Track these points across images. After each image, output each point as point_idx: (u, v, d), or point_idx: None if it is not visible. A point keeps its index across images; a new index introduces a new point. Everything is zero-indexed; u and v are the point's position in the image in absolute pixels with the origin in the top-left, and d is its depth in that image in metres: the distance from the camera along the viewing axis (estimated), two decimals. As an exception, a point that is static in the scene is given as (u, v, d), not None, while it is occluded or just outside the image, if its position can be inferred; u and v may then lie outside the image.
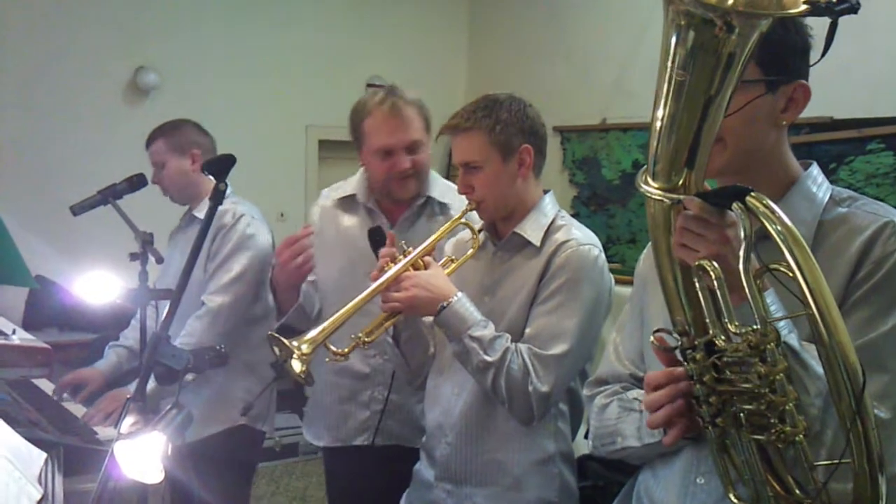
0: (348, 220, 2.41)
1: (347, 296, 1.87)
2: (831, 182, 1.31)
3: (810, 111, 1.28)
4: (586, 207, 5.37)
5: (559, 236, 1.91)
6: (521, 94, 1.98)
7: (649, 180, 1.13)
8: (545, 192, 2.00)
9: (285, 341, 1.73)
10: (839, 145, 3.95)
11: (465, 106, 1.93)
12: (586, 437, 1.68)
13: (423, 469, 2.05)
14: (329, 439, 2.49)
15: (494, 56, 6.18)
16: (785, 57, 1.08)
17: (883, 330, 1.16)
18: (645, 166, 1.15)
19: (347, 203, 2.42)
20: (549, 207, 1.97)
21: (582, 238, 1.90)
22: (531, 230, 1.93)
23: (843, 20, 0.98)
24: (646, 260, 1.54)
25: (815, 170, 1.32)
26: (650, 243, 1.46)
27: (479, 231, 2.01)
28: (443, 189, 2.37)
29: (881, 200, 1.29)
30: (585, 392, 1.61)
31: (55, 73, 4.84)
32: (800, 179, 1.29)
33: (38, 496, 1.41)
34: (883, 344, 1.15)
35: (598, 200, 5.30)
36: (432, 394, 2.04)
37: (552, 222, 1.94)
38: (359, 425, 2.40)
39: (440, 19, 6.33)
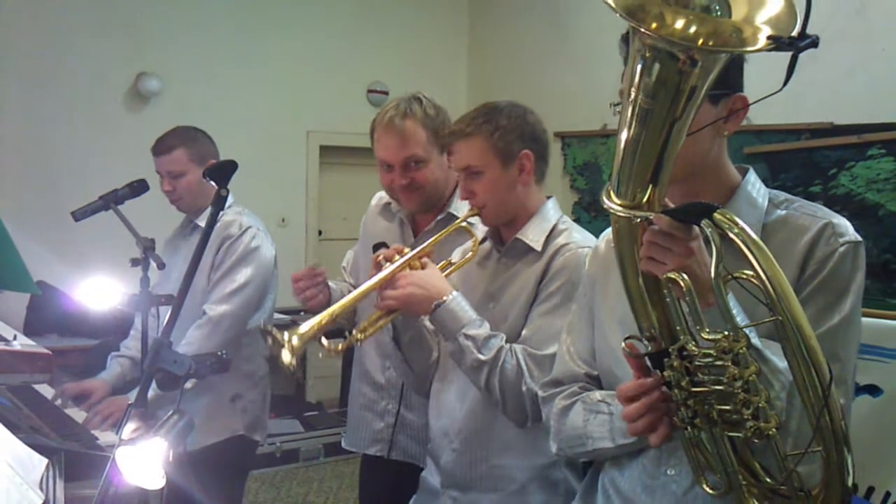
0: (384, 226, 2.45)
1: (373, 297, 1.90)
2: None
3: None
4: (587, 213, 5.38)
5: (560, 240, 1.91)
6: (522, 99, 1.99)
7: (613, 197, 1.19)
8: (548, 198, 2.01)
9: (276, 334, 1.75)
10: (840, 150, 3.96)
11: (467, 113, 1.94)
12: None
13: (430, 476, 2.05)
14: (348, 443, 2.52)
15: (495, 62, 6.20)
16: (725, 72, 1.13)
17: (832, 323, 1.25)
18: (608, 184, 1.21)
19: (387, 209, 2.46)
20: (552, 213, 1.98)
21: (581, 241, 1.90)
22: (533, 235, 1.93)
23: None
24: (592, 262, 1.60)
25: (752, 175, 1.40)
26: (595, 247, 1.62)
27: (483, 240, 2.02)
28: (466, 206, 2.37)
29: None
30: (541, 393, 1.63)
31: (57, 78, 4.85)
32: (741, 185, 1.37)
33: (40, 502, 1.41)
34: (833, 336, 1.24)
35: (599, 206, 5.28)
36: (436, 400, 2.04)
37: (554, 227, 1.95)
38: (372, 434, 2.40)
39: (441, 25, 6.35)
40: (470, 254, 1.98)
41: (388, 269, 1.88)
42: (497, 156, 1.88)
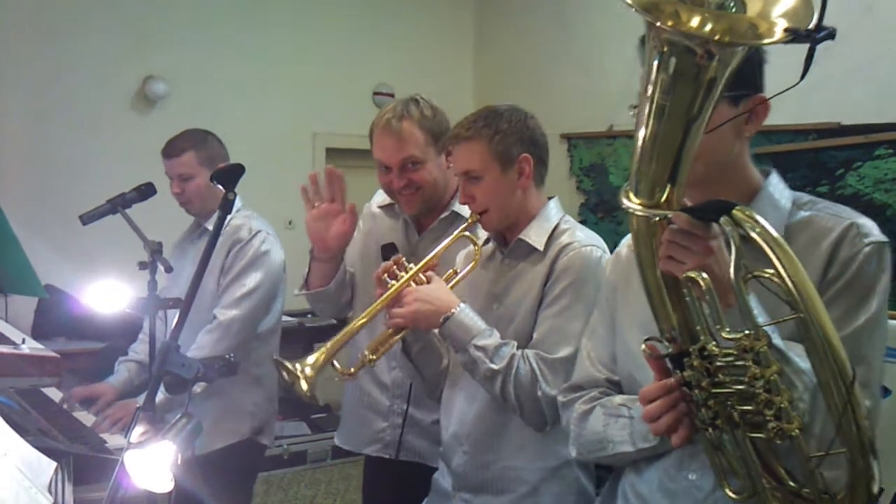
0: (388, 225, 2.46)
1: (373, 294, 1.92)
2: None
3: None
4: (594, 214, 5.37)
5: (563, 240, 1.92)
6: (528, 100, 1.99)
7: (632, 197, 1.18)
8: (549, 198, 2.01)
9: (289, 366, 1.80)
10: (847, 151, 3.94)
11: (466, 117, 1.95)
12: None
13: (442, 479, 2.06)
14: (343, 440, 2.52)
15: (501, 63, 6.18)
16: (746, 73, 1.14)
17: (858, 324, 1.24)
18: (626, 184, 1.20)
19: (390, 209, 2.47)
20: (553, 213, 1.98)
21: (584, 240, 1.90)
22: (535, 236, 1.94)
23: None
24: (613, 268, 1.60)
25: (774, 177, 1.39)
26: (616, 252, 1.60)
27: (485, 242, 2.02)
28: None
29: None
30: (560, 398, 1.62)
31: (64, 81, 4.86)
32: (763, 187, 1.36)
33: (48, 505, 1.41)
34: (859, 337, 1.23)
35: (606, 207, 5.30)
36: (447, 404, 2.05)
37: (556, 227, 1.95)
38: (372, 434, 2.40)
39: (447, 27, 6.34)
40: (473, 263, 1.98)
41: (393, 287, 1.89)
42: (496, 160, 1.89)
